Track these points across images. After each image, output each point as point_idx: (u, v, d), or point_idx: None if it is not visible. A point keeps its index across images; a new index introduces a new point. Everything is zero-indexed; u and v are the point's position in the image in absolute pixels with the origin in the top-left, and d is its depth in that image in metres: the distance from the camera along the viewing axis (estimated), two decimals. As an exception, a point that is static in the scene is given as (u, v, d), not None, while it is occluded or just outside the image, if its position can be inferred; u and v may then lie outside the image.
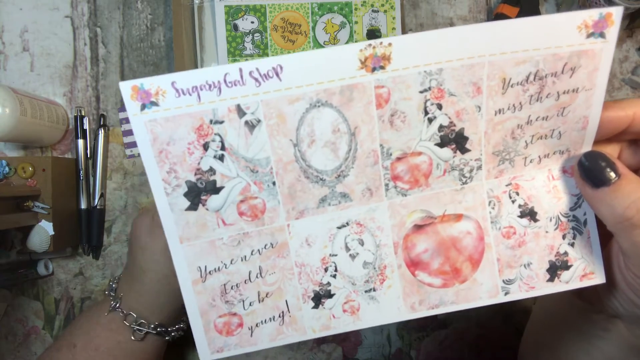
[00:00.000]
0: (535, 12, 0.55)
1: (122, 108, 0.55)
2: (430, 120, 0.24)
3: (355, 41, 0.55)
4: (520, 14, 0.54)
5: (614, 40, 0.22)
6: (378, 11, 0.55)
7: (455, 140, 0.24)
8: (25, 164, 0.48)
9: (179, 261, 0.26)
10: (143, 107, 0.24)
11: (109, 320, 0.41)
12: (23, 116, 0.46)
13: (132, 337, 0.41)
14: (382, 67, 0.23)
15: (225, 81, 0.23)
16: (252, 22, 0.53)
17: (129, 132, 0.55)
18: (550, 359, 0.33)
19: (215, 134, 0.24)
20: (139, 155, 0.55)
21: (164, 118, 0.24)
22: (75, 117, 0.54)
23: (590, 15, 0.22)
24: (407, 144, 0.24)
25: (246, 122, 0.24)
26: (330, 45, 0.55)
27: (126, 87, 0.24)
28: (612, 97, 0.57)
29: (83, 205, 0.53)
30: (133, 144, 0.55)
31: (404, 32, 0.57)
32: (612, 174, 0.21)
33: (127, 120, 0.55)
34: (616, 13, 0.22)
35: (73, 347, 0.40)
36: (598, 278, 0.25)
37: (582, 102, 0.22)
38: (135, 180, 0.55)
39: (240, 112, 0.24)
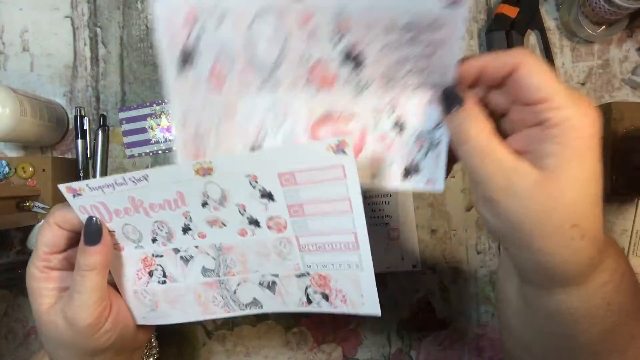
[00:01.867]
0: (535, 12, 0.55)
1: (122, 108, 0.55)
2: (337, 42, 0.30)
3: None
4: (520, 14, 0.54)
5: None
6: (378, 11, 0.54)
7: (355, 58, 0.30)
8: (25, 164, 0.48)
9: None
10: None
11: None
12: (23, 116, 0.46)
13: None
14: None
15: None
16: (252, 22, 0.53)
17: (129, 132, 0.55)
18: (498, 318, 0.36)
19: None
20: (139, 155, 0.55)
21: None
22: (75, 117, 0.54)
23: None
24: (320, 55, 0.30)
25: None
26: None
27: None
28: (612, 98, 0.57)
29: (83, 205, 0.53)
30: (133, 144, 0.55)
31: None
32: (458, 105, 0.27)
33: (127, 120, 0.55)
34: None
35: None
36: (438, 187, 0.32)
37: (446, 51, 0.28)
38: (135, 180, 0.55)
39: None
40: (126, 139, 0.55)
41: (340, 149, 0.29)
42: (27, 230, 0.49)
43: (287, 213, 0.32)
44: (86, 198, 0.33)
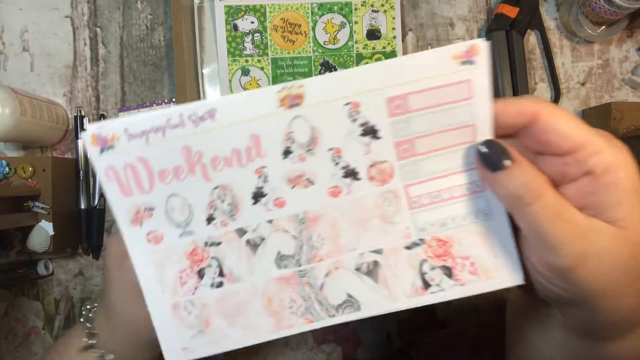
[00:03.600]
0: (535, 12, 0.55)
1: (122, 108, 0.55)
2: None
3: (356, 42, 0.55)
4: (520, 14, 0.54)
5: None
6: (378, 11, 0.55)
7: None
8: (25, 164, 0.48)
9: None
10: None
11: (82, 359, 0.35)
12: (23, 116, 0.46)
13: None
14: None
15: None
16: (252, 22, 0.53)
17: (129, 132, 0.55)
18: (509, 353, 0.33)
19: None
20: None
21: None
22: (75, 117, 0.54)
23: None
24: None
25: None
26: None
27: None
28: (612, 98, 0.57)
29: (83, 205, 0.53)
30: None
31: (403, 32, 0.57)
32: (507, 160, 0.23)
33: (127, 120, 0.55)
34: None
35: None
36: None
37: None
38: (135, 180, 0.55)
39: None
40: (126, 139, 0.55)
41: (468, 58, 0.22)
42: (27, 230, 0.49)
43: (395, 155, 0.25)
44: (120, 153, 0.24)
